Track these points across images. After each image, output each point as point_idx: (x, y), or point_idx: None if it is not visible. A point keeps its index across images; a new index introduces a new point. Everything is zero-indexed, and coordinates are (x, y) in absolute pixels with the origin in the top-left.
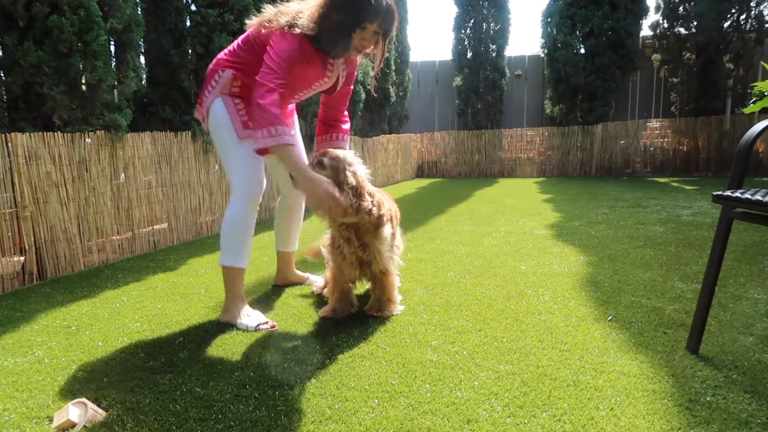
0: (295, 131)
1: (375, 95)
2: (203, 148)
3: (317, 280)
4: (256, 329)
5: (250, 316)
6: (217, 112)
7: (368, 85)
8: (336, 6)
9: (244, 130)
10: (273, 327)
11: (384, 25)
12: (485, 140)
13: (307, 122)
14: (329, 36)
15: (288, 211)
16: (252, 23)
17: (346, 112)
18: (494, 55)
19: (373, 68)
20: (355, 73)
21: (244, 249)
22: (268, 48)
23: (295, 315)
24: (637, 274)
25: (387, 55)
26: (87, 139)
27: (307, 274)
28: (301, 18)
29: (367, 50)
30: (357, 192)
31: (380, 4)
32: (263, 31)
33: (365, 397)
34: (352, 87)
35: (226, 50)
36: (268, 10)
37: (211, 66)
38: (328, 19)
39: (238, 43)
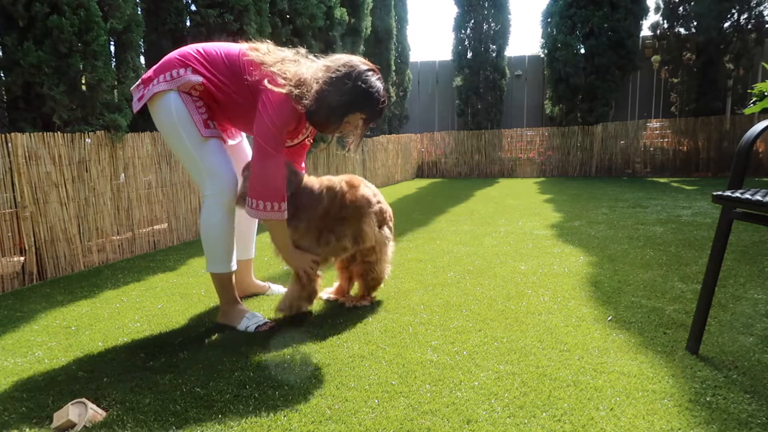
0: (240, 138)
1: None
2: None
3: (279, 290)
4: (256, 330)
5: (248, 318)
6: (172, 107)
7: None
8: (341, 91)
9: (206, 129)
10: (272, 327)
11: (373, 116)
12: (485, 140)
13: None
14: (323, 114)
15: (242, 216)
16: (250, 54)
17: (303, 164)
18: (494, 55)
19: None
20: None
21: (228, 253)
22: (265, 101)
23: (295, 315)
24: (637, 275)
25: (384, 85)
26: (87, 139)
27: (267, 284)
28: (302, 88)
29: (346, 131)
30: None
31: (379, 98)
32: (267, 83)
33: (365, 397)
34: (311, 141)
35: (198, 49)
36: (271, 52)
37: (175, 56)
38: (328, 99)
39: (219, 55)
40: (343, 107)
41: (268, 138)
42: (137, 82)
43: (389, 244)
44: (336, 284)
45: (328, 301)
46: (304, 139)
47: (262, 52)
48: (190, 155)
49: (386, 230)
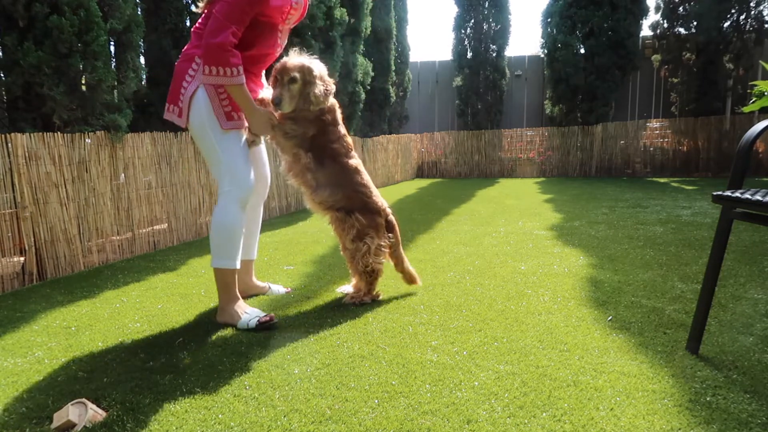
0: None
1: None
2: None
3: (279, 290)
4: (258, 324)
5: (248, 313)
6: (200, 101)
7: None
8: None
9: (227, 122)
10: (272, 319)
11: None
12: (485, 140)
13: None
14: None
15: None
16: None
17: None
18: (494, 55)
19: (371, 76)
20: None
21: (235, 250)
22: None
23: (295, 315)
24: (637, 274)
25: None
26: (87, 140)
27: (267, 284)
28: None
29: None
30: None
31: None
32: None
33: (365, 397)
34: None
35: (191, 41)
36: None
37: (180, 60)
38: None
39: (198, 28)
40: None
41: (226, 12)
42: (165, 108)
43: (375, 236)
44: (354, 281)
45: (341, 298)
46: (296, 17)
47: None
48: (212, 149)
49: (364, 216)
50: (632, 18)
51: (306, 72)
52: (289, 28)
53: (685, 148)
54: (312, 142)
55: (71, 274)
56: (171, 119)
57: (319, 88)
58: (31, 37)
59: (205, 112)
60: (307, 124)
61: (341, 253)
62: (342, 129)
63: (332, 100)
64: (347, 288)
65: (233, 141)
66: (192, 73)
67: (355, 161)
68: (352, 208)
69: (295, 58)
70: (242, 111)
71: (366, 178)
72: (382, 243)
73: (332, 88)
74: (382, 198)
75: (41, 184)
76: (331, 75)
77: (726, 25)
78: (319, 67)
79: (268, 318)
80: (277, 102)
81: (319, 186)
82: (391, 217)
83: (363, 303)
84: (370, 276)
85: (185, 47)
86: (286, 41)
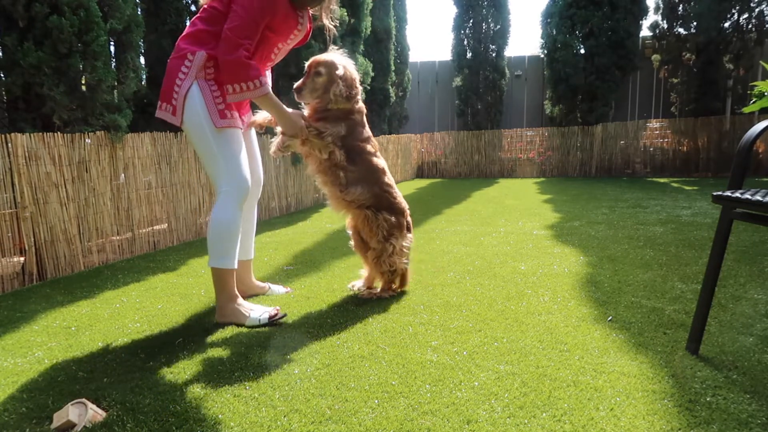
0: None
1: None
2: None
3: (279, 290)
4: (270, 320)
5: (254, 310)
6: (195, 98)
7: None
8: None
9: (221, 120)
10: (279, 311)
11: None
12: (485, 140)
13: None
14: None
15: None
16: None
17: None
18: (494, 55)
19: (372, 75)
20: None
21: (233, 249)
22: (235, 1)
23: (296, 315)
24: (637, 275)
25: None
26: (87, 140)
27: (267, 284)
28: None
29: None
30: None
31: None
32: None
33: (365, 397)
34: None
35: (183, 37)
36: None
37: (173, 56)
38: None
39: (192, 26)
40: None
41: (238, 29)
42: (158, 105)
43: (400, 237)
44: (364, 274)
45: (353, 293)
46: (299, 39)
47: None
48: (207, 148)
49: (390, 216)
50: (632, 18)
51: (332, 68)
52: (288, 48)
53: (685, 148)
54: (343, 141)
55: (71, 274)
56: (164, 117)
57: (339, 88)
58: (31, 38)
59: (200, 109)
60: (337, 123)
61: (354, 248)
62: (368, 130)
63: (362, 104)
64: (358, 283)
65: (229, 140)
66: (185, 70)
67: (382, 162)
68: (380, 207)
69: (329, 55)
70: (273, 117)
71: (391, 179)
72: (405, 243)
73: (356, 91)
74: (403, 199)
75: (41, 184)
76: None
77: (726, 25)
78: (348, 69)
79: (275, 312)
80: (299, 90)
81: (350, 184)
82: (409, 218)
83: (381, 297)
84: (392, 274)
85: (178, 41)
86: (281, 58)
